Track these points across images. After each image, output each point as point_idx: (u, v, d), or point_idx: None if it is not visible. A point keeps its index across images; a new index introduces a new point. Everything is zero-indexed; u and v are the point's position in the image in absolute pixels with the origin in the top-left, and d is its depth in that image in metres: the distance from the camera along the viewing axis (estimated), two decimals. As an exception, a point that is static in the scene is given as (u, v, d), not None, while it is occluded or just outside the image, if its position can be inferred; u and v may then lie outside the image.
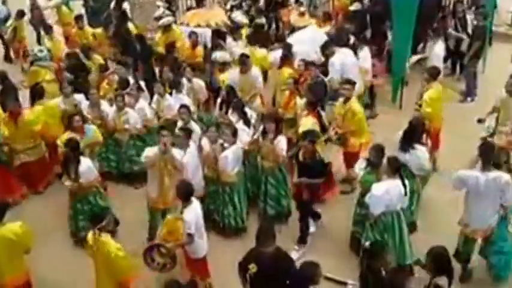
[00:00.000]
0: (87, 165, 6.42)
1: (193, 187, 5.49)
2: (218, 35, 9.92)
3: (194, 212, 5.30)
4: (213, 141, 6.56)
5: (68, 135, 6.94)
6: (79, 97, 8.07)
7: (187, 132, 6.53)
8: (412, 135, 6.30)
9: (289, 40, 9.59)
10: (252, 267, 4.52)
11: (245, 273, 4.58)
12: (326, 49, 8.71)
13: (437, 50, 9.21)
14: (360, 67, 8.74)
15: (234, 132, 6.49)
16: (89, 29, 11.07)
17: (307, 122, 6.96)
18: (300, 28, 10.50)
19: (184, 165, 6.15)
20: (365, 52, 9.05)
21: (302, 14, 11.14)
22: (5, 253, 5.20)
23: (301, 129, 6.79)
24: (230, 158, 6.38)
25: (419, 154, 6.20)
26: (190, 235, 5.21)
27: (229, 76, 8.52)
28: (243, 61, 8.34)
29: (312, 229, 6.62)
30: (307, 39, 9.45)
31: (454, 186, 5.65)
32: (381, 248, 5.17)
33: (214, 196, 6.81)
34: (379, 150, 5.87)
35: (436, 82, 7.53)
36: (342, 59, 8.50)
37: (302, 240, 6.49)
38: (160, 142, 6.06)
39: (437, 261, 4.60)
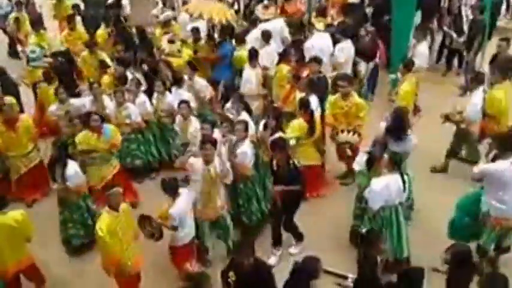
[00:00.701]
0: (74, 169, 6.21)
1: (177, 182, 5.69)
2: (225, 30, 9.84)
3: (183, 204, 5.62)
4: (224, 135, 6.58)
5: (84, 134, 6.78)
6: (83, 101, 7.94)
7: (213, 125, 6.66)
8: (399, 126, 6.30)
9: (252, 33, 9.56)
10: (232, 276, 4.86)
11: (227, 280, 4.90)
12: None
13: (420, 49, 9.17)
14: (334, 56, 8.94)
15: (246, 127, 6.44)
16: (80, 29, 10.75)
17: (296, 126, 6.89)
18: (265, 21, 10.27)
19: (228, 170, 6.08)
20: (345, 45, 9.00)
21: (266, 7, 10.91)
22: (7, 240, 5.35)
23: (288, 131, 6.81)
24: (250, 153, 6.41)
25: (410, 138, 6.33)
26: (174, 227, 5.62)
27: (244, 75, 8.50)
28: (252, 55, 8.36)
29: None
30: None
31: (473, 178, 5.65)
32: (377, 235, 5.27)
33: (233, 195, 6.68)
34: (382, 143, 5.90)
35: (410, 75, 7.61)
36: (320, 43, 8.80)
37: (297, 237, 6.46)
38: (202, 155, 5.92)
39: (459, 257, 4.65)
